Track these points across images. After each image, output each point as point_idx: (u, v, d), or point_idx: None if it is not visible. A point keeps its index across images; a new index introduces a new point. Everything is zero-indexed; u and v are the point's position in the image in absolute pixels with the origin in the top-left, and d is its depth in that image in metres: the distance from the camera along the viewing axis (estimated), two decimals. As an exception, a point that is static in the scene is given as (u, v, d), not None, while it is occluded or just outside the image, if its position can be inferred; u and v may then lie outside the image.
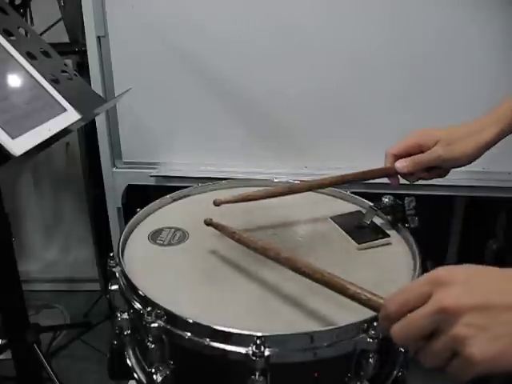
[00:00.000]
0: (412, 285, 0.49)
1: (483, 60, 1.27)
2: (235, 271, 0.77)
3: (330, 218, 0.93)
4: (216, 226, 0.82)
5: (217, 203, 0.87)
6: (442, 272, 0.47)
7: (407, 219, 0.87)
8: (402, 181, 0.87)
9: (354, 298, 0.57)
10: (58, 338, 1.82)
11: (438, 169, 0.86)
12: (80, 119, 0.99)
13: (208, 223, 0.82)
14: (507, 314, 0.43)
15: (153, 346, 0.65)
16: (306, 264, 0.65)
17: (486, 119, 0.82)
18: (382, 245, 0.85)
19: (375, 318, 0.62)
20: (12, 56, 0.95)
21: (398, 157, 0.86)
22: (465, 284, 0.45)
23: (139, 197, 1.43)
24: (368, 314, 0.63)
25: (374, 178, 0.90)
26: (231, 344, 0.61)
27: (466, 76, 1.28)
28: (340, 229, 0.89)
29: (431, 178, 0.88)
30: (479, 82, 1.28)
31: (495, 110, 0.83)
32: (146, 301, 0.67)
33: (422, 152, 0.84)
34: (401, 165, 0.84)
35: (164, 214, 0.96)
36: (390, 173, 0.87)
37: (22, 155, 0.80)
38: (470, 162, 0.83)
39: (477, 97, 1.24)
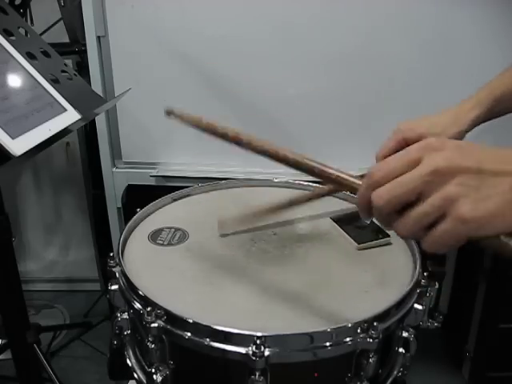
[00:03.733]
0: (400, 152, 0.48)
1: (483, 59, 1.27)
2: (235, 271, 0.77)
3: (330, 217, 0.93)
4: (179, 116, 0.75)
5: None
6: (432, 139, 0.46)
7: (407, 219, 0.87)
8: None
9: (335, 181, 0.54)
10: (58, 338, 1.82)
11: None
12: (80, 119, 0.99)
13: (170, 112, 0.76)
14: (498, 178, 0.43)
15: (153, 346, 0.65)
16: (284, 148, 0.59)
17: (467, 104, 0.83)
18: (382, 245, 0.85)
19: (375, 318, 0.63)
20: (12, 56, 0.95)
21: (387, 156, 0.85)
22: (457, 149, 0.45)
23: (139, 197, 1.43)
24: (368, 314, 0.64)
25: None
26: (231, 344, 0.61)
27: (466, 75, 1.28)
28: (340, 229, 0.89)
29: None
30: (479, 81, 1.28)
31: (477, 94, 0.83)
32: (145, 301, 0.67)
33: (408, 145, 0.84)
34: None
35: (164, 214, 0.96)
36: None
37: (22, 155, 0.81)
38: None
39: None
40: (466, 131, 0.83)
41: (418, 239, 0.46)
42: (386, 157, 0.85)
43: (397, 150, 0.84)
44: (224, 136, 0.67)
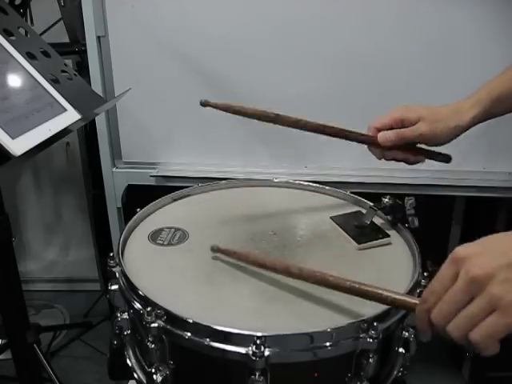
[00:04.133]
0: (437, 275, 0.52)
1: (484, 59, 1.27)
2: (235, 271, 0.77)
3: (330, 217, 0.93)
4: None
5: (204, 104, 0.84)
6: (460, 250, 0.50)
7: (407, 219, 0.87)
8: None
9: (393, 303, 0.60)
10: (58, 338, 1.82)
11: (414, 150, 0.87)
12: (80, 119, 0.99)
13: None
14: None
15: (153, 346, 0.65)
16: (333, 276, 0.66)
17: (466, 102, 0.84)
18: (382, 245, 0.85)
19: (375, 318, 0.63)
20: (12, 56, 0.95)
21: (380, 130, 0.86)
22: (484, 252, 0.49)
23: (139, 197, 1.43)
24: (368, 314, 0.64)
25: (355, 141, 0.89)
26: (231, 344, 0.61)
27: (467, 76, 1.28)
28: (340, 229, 0.89)
29: (402, 161, 0.89)
30: (480, 81, 1.28)
31: (476, 93, 0.84)
32: (145, 301, 0.67)
33: (404, 127, 0.84)
34: (383, 137, 0.85)
35: (164, 214, 0.96)
36: (372, 142, 0.87)
37: (21, 155, 0.81)
38: (448, 142, 0.85)
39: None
40: (464, 129, 0.83)
41: (468, 340, 0.49)
42: (378, 130, 0.86)
43: (390, 127, 0.85)
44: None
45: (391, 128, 0.85)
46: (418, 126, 0.83)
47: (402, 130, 0.84)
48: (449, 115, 0.83)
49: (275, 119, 0.85)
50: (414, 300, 0.57)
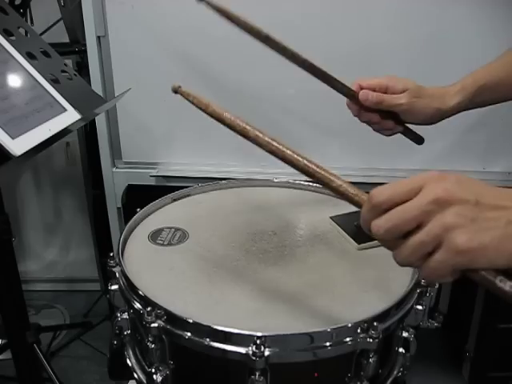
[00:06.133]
0: (402, 180, 0.48)
1: (480, 55, 1.26)
2: (235, 271, 0.77)
3: (330, 217, 0.93)
4: (186, 95, 0.67)
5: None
6: (434, 171, 0.47)
7: (407, 219, 0.86)
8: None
9: (338, 191, 0.55)
10: (58, 338, 1.82)
11: (390, 120, 0.87)
12: (80, 119, 0.99)
13: (176, 90, 0.67)
14: (495, 212, 0.44)
15: (153, 346, 0.65)
16: (289, 148, 0.59)
17: (452, 88, 0.84)
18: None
19: (375, 318, 0.63)
20: (12, 56, 0.95)
21: (363, 88, 0.86)
22: (457, 182, 0.45)
23: (139, 197, 1.43)
24: (368, 314, 0.64)
25: (335, 89, 0.88)
26: (231, 344, 0.61)
27: (463, 71, 1.28)
28: (340, 229, 0.89)
29: (376, 128, 0.89)
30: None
31: (462, 80, 0.85)
32: (145, 301, 0.67)
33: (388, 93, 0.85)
34: (365, 95, 0.85)
35: (164, 214, 0.96)
36: (352, 96, 0.87)
37: (21, 155, 0.81)
38: (425, 124, 0.86)
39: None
40: (447, 113, 0.84)
41: (415, 267, 0.46)
42: (360, 85, 0.86)
43: (374, 90, 0.85)
44: (231, 127, 0.66)
45: (375, 91, 0.85)
46: (400, 96, 0.83)
47: (385, 94, 0.84)
48: (433, 96, 0.84)
49: (265, 40, 0.86)
50: (365, 196, 0.52)
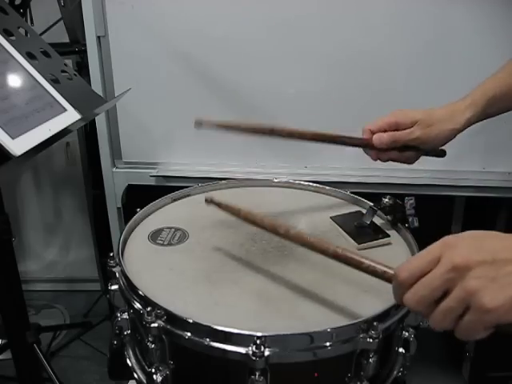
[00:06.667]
0: (421, 252, 0.51)
1: (483, 59, 1.27)
2: (235, 271, 0.77)
3: (330, 217, 0.93)
4: (218, 204, 0.79)
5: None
6: (449, 237, 0.50)
7: (407, 219, 0.87)
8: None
9: (368, 271, 0.59)
10: (58, 338, 1.82)
11: (410, 151, 0.88)
12: (80, 119, 0.99)
13: (210, 201, 0.79)
14: None
15: (153, 345, 0.65)
16: (318, 240, 0.65)
17: (461, 103, 0.84)
18: (382, 245, 0.85)
19: (375, 318, 0.63)
20: (12, 56, 0.95)
21: (375, 132, 0.87)
22: (471, 244, 0.48)
23: (139, 197, 1.43)
24: (368, 314, 0.64)
25: (351, 146, 0.90)
26: (231, 344, 0.61)
27: (466, 76, 1.28)
28: (340, 229, 0.89)
29: (400, 161, 0.89)
30: (477, 80, 1.28)
31: (471, 94, 0.85)
32: (145, 301, 0.67)
33: (398, 130, 0.85)
34: (379, 139, 0.85)
35: (164, 214, 0.96)
36: (367, 145, 0.88)
37: (21, 155, 0.81)
38: (444, 144, 0.86)
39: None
40: (459, 130, 0.84)
41: (451, 329, 0.49)
42: (371, 130, 0.86)
43: (384, 130, 0.86)
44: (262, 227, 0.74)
45: (385, 131, 0.86)
46: (413, 130, 0.84)
47: (398, 132, 0.85)
48: (444, 118, 0.83)
49: (271, 132, 0.88)
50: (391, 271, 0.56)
